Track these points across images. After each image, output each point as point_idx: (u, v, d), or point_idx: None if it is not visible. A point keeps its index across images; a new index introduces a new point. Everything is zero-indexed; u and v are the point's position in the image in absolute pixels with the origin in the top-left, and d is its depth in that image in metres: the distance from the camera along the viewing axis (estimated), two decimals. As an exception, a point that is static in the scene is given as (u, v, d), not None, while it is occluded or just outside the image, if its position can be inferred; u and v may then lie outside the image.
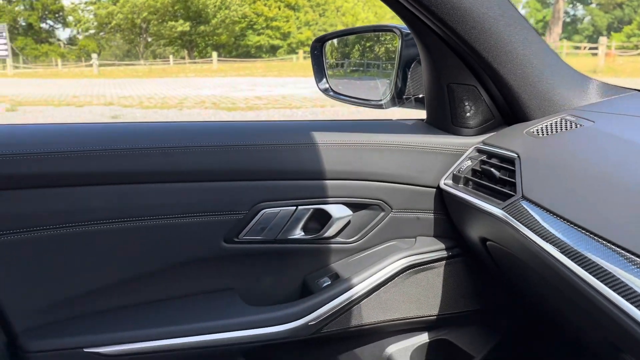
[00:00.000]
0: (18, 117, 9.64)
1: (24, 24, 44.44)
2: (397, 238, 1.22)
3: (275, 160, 1.11)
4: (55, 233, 1.03)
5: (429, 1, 0.93)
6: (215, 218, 1.10)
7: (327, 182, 1.14)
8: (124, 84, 18.23)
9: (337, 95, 1.44)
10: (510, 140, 1.06)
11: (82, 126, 1.14)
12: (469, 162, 1.12)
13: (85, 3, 44.85)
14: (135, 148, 1.04)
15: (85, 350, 1.02)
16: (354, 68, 1.55)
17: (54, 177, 1.01)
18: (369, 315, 1.17)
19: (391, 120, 1.29)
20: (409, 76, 1.24)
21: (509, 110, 1.13)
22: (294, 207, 1.14)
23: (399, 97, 1.26)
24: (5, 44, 28.27)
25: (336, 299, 1.13)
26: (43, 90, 15.55)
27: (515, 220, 0.87)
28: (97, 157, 1.03)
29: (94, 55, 30.25)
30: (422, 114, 1.26)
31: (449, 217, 1.20)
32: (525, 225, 0.84)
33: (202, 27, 41.51)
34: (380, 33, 1.43)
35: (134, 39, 44.03)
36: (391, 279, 1.16)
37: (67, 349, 1.03)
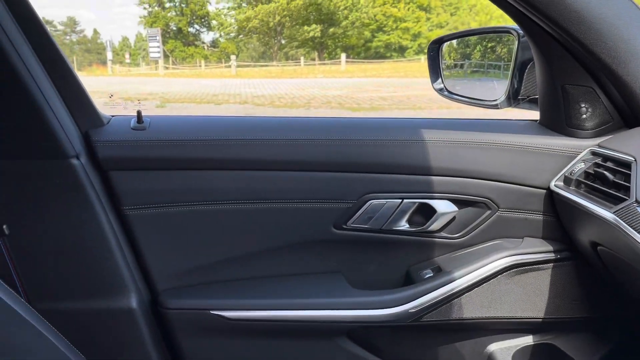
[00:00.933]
0: (165, 113, 10.78)
1: (174, 28, 48.98)
2: (503, 237, 1.23)
3: (384, 154, 1.18)
4: (195, 209, 1.20)
5: (540, 3, 0.93)
6: (326, 205, 1.21)
7: (434, 177, 1.19)
8: (258, 84, 19.36)
9: (451, 95, 1.47)
10: (628, 144, 1.02)
11: (222, 118, 1.31)
12: (582, 165, 1.10)
13: (228, 9, 48.31)
14: (263, 139, 1.18)
15: (212, 312, 1.19)
16: (474, 69, 1.55)
17: (199, 161, 1.18)
18: (470, 310, 1.20)
19: (503, 120, 1.29)
20: (524, 77, 1.24)
21: (629, 112, 1.08)
22: (400, 200, 1.20)
23: (514, 98, 1.26)
24: (158, 46, 31.46)
25: (437, 290, 1.17)
26: (188, 88, 17.09)
27: (627, 225, 0.85)
28: (233, 146, 1.18)
29: (233, 57, 32.52)
30: (536, 115, 1.26)
31: (558, 219, 1.18)
32: (637, 231, 0.82)
33: (332, 29, 42.55)
34: (503, 34, 1.43)
35: (269, 41, 46.42)
36: (495, 276, 1.18)
37: (197, 309, 1.20)
